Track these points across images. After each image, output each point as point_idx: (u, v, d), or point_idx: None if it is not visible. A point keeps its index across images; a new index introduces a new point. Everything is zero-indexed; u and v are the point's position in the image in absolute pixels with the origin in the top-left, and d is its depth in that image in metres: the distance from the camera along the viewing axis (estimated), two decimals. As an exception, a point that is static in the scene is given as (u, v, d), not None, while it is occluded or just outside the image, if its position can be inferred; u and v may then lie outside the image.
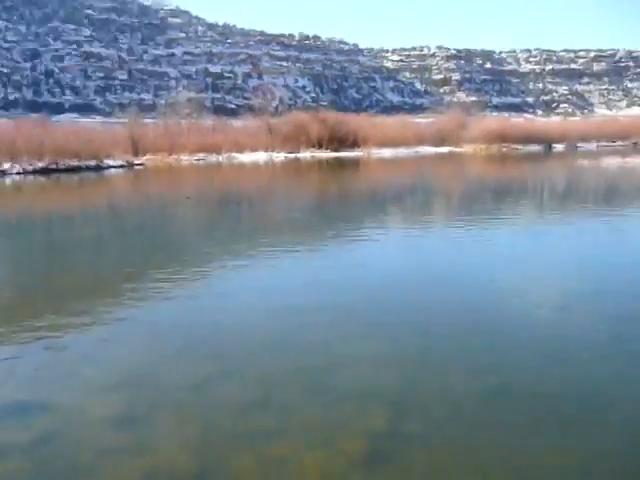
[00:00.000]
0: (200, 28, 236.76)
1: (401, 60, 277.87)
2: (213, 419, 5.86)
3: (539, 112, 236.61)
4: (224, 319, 8.84)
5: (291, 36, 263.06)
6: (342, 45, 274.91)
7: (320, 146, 73.22)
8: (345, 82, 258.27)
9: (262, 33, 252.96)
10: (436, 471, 4.93)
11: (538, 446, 5.23)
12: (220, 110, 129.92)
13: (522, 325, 8.39)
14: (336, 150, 72.86)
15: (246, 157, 66.53)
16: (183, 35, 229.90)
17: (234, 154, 67.16)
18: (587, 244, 14.67)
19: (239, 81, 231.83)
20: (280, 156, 67.97)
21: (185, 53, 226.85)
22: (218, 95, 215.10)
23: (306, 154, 70.14)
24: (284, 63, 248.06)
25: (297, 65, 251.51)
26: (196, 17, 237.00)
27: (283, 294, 10.06)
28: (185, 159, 62.48)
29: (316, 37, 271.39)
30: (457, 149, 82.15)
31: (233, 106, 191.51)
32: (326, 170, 50.07)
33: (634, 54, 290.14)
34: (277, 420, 5.76)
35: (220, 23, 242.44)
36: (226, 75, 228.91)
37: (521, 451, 5.17)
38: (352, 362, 7.09)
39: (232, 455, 5.22)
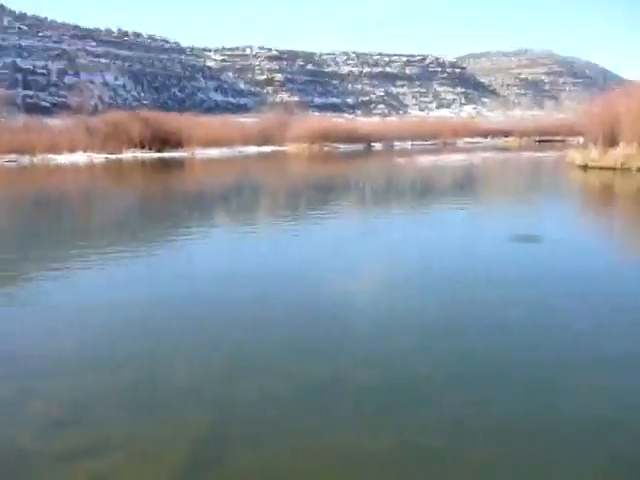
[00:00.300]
0: (6, 18, 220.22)
1: (224, 60, 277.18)
2: (14, 438, 5.53)
3: (359, 112, 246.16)
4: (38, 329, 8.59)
5: (109, 32, 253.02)
6: (163, 43, 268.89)
7: (143, 146, 71.45)
8: (167, 81, 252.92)
9: (76, 27, 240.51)
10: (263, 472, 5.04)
11: (353, 432, 5.55)
12: (33, 108, 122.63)
13: (333, 310, 8.81)
14: (159, 151, 71.47)
15: (64, 158, 63.36)
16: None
17: (50, 155, 63.72)
18: (403, 235, 15.69)
19: (54, 78, 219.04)
20: (100, 157, 65.47)
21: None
22: (30, 92, 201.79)
23: (128, 155, 68.15)
24: (102, 60, 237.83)
25: (116, 62, 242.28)
26: (1, 6, 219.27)
27: (92, 296, 9.92)
28: (-6, 161, 58.42)
29: (136, 34, 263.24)
30: (281, 148, 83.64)
31: (47, 104, 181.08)
32: (150, 171, 49.00)
33: (440, 60, 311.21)
34: (92, 436, 5.54)
35: (29, 14, 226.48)
36: (39, 71, 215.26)
37: (349, 439, 5.43)
38: (172, 368, 7.10)
39: (46, 473, 4.99)
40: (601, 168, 36.54)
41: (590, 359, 7.08)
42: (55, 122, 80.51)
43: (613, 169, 35.34)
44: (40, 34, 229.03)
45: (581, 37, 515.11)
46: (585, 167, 38.33)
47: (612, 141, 39.99)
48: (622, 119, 38.71)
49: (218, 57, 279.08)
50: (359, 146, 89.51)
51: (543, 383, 6.46)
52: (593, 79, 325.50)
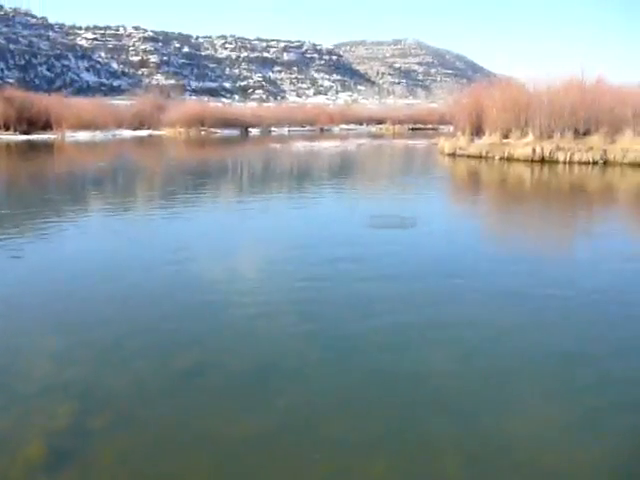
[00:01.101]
0: None
1: (96, 39, 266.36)
2: None
3: (236, 97, 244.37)
4: None
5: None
6: (29, 17, 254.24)
7: (7, 128, 67.70)
8: (34, 59, 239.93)
9: None
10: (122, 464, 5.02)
11: (227, 419, 5.64)
12: None
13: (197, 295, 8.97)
14: (26, 132, 67.96)
15: None
16: None
17: None
18: (276, 219, 15.89)
19: None
20: (-41, 138, 61.49)
21: None
22: None
23: (-9, 136, 64.38)
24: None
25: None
26: None
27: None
28: None
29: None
30: (157, 132, 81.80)
31: None
32: (15, 154, 46.49)
33: (318, 47, 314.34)
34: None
35: None
36: None
37: (211, 425, 5.51)
38: (33, 359, 6.92)
39: None
40: (468, 156, 38.46)
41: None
42: None
43: (479, 157, 37.28)
44: None
45: (452, 30, 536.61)
46: (454, 155, 40.19)
47: (478, 131, 42.23)
48: (487, 111, 40.94)
49: (89, 35, 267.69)
50: (236, 131, 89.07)
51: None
52: (463, 71, 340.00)
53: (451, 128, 60.67)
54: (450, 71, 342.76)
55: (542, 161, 33.44)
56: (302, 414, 5.70)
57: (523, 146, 35.53)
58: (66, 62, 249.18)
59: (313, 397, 6.02)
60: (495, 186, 26.24)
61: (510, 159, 35.11)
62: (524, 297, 9.16)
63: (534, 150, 34.09)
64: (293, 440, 5.26)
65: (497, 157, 36.03)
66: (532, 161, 33.66)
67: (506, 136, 38.93)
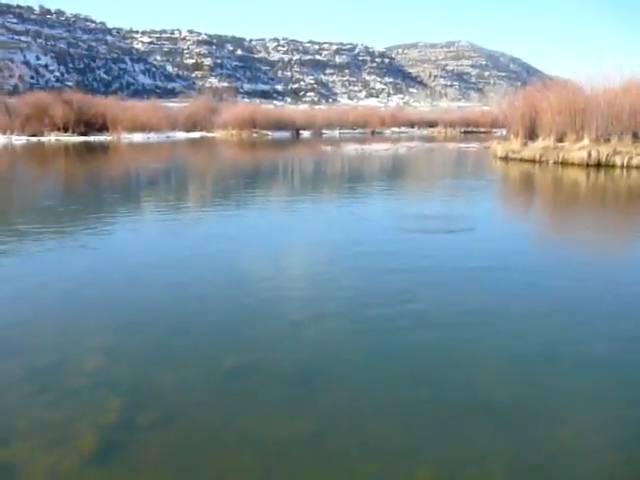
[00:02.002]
0: None
1: (152, 42, 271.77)
2: None
3: (288, 100, 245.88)
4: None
5: (30, 8, 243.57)
6: (88, 23, 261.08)
7: (66, 129, 69.56)
8: (93, 62, 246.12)
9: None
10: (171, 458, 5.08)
11: (273, 420, 5.64)
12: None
13: (259, 295, 9.00)
14: (83, 134, 69.74)
15: (-19, 140, 61.09)
16: None
17: (-34, 136, 61.35)
18: (326, 220, 15.89)
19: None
20: (21, 139, 63.38)
21: None
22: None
23: (50, 138, 66.18)
24: (23, 38, 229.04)
25: (38, 41, 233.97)
26: None
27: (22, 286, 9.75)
28: None
29: (59, 12, 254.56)
30: (209, 134, 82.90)
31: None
32: (73, 155, 47.69)
33: (370, 50, 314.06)
34: (1, 425, 5.45)
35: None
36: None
37: (257, 426, 5.50)
38: (85, 354, 6.99)
39: None
40: (521, 160, 37.87)
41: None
42: (-28, 102, 77.26)
43: (532, 161, 36.67)
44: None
45: (507, 32, 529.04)
46: (506, 158, 39.63)
47: (532, 134, 41.49)
48: (541, 114, 40.20)
49: (146, 39, 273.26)
50: (287, 133, 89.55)
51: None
52: (517, 73, 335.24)
53: (504, 131, 59.76)
54: (504, 74, 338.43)
55: (598, 165, 32.61)
56: (347, 417, 5.67)
57: (578, 150, 34.72)
58: (123, 65, 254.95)
59: (359, 400, 5.98)
60: (549, 190, 25.74)
61: (564, 163, 34.39)
62: (577, 303, 8.96)
63: (590, 154, 33.27)
64: (338, 443, 5.23)
65: (551, 161, 35.35)
66: (587, 165, 32.87)
67: (561, 140, 38.10)
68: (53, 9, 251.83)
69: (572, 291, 9.67)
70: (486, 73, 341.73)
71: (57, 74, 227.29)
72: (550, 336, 7.65)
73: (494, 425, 5.52)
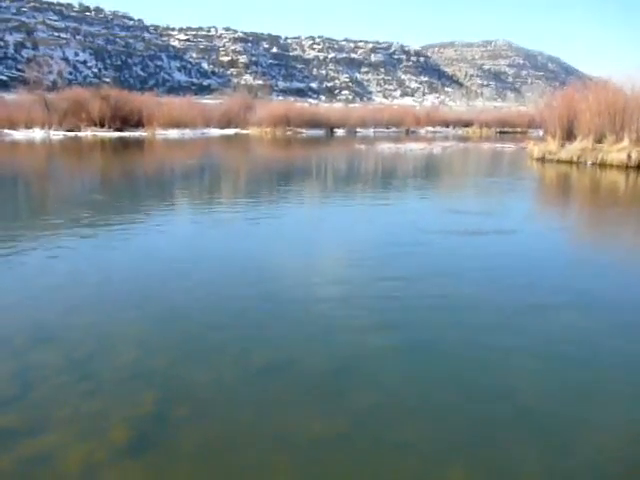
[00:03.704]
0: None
1: (188, 40, 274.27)
2: None
3: (322, 98, 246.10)
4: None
5: (70, 6, 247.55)
6: (126, 20, 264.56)
7: (102, 125, 70.49)
8: (130, 59, 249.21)
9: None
10: (205, 451, 5.09)
11: (304, 417, 5.60)
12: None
13: (291, 294, 8.97)
14: (119, 129, 70.57)
15: (20, 134, 62.11)
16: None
17: (6, 131, 62.42)
18: (359, 219, 15.82)
19: (11, 50, 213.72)
20: (59, 134, 64.34)
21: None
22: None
23: (87, 133, 67.10)
24: (62, 34, 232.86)
25: (77, 37, 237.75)
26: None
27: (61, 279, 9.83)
28: (-53, 135, 57.12)
29: (98, 9, 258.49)
30: (244, 131, 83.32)
31: (4, 78, 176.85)
32: (109, 150, 48.22)
33: (406, 48, 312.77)
34: (35, 415, 5.49)
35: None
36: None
37: (290, 423, 5.47)
38: (121, 348, 7.04)
39: None
40: (558, 161, 37.29)
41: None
42: (12, 96, 78.73)
43: (569, 162, 36.07)
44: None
45: (545, 31, 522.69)
46: (543, 159, 39.06)
47: (570, 135, 40.79)
48: (580, 114, 39.49)
49: (182, 37, 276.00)
50: (321, 131, 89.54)
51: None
52: (555, 73, 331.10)
53: (541, 132, 58.94)
54: (542, 73, 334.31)
55: (638, 167, 31.93)
56: (380, 416, 5.62)
57: (617, 151, 34.03)
58: (159, 62, 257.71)
59: (391, 400, 5.92)
60: (587, 192, 25.26)
61: (603, 165, 33.76)
62: (619, 310, 8.74)
63: (629, 156, 32.59)
64: (370, 443, 5.17)
65: (589, 162, 34.74)
66: (627, 167, 32.21)
67: (599, 141, 37.36)
68: (92, 6, 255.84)
69: (611, 294, 9.45)
70: (523, 72, 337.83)
71: (95, 70, 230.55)
72: (589, 340, 7.48)
73: (529, 429, 5.41)
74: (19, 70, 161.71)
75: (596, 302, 9.08)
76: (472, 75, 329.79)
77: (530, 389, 6.16)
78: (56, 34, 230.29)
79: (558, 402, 5.93)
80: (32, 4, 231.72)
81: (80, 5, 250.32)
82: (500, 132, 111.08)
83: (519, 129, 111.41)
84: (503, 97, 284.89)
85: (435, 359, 6.90)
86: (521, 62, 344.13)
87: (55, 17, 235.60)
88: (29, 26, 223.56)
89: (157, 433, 5.25)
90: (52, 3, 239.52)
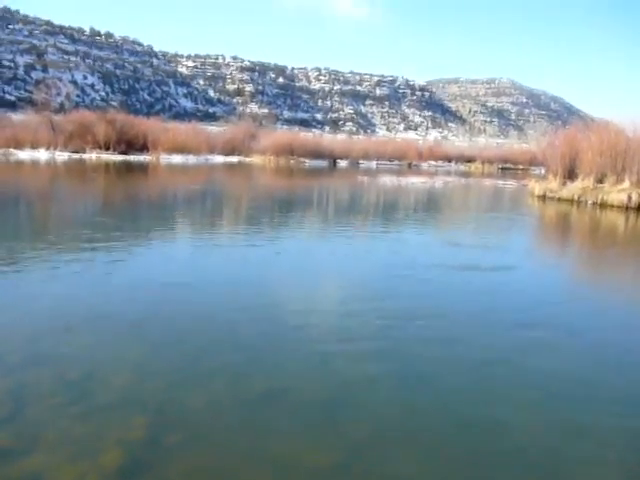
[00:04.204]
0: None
1: (195, 67, 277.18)
2: None
3: (327, 129, 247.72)
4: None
5: (81, 30, 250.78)
6: (136, 45, 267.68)
7: (107, 148, 70.89)
8: (137, 84, 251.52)
9: (48, 23, 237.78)
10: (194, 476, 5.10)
11: (299, 447, 5.60)
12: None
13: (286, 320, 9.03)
14: (124, 153, 70.95)
15: (25, 154, 62.49)
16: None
17: (12, 150, 62.78)
18: (354, 253, 15.87)
19: (20, 72, 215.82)
20: (63, 155, 64.73)
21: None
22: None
23: (92, 155, 67.47)
24: (72, 57, 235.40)
25: (86, 61, 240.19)
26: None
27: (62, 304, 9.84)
28: (-47, 153, 57.49)
29: (108, 34, 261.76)
30: (247, 159, 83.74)
31: (12, 98, 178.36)
32: (113, 173, 48.45)
33: (411, 83, 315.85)
34: (26, 435, 5.49)
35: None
36: (5, 64, 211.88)
37: (283, 453, 5.47)
38: (116, 370, 7.06)
39: None
40: (559, 199, 37.45)
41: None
42: (19, 117, 79.33)
43: (570, 201, 36.23)
44: (10, 27, 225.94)
45: (549, 71, 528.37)
46: (544, 197, 39.23)
47: (571, 174, 41.04)
48: (582, 154, 39.77)
49: (190, 63, 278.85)
50: (324, 162, 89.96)
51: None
52: (558, 113, 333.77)
53: (542, 170, 59.22)
54: (544, 112, 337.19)
55: (638, 209, 32.06)
56: (373, 447, 5.62)
57: (618, 192, 34.20)
58: (166, 88, 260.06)
59: (385, 430, 5.93)
60: (586, 232, 25.34)
61: (603, 205, 33.90)
62: (615, 349, 8.76)
63: (630, 197, 32.74)
64: (363, 473, 5.17)
65: (590, 202, 34.89)
66: (627, 208, 32.34)
67: (600, 181, 37.57)
68: (103, 31, 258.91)
69: (608, 333, 9.48)
70: (526, 111, 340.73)
71: (102, 94, 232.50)
72: (586, 378, 7.50)
73: (523, 465, 5.41)
74: (28, 91, 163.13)
75: (593, 341, 9.10)
76: (475, 111, 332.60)
77: (525, 425, 6.17)
78: (66, 57, 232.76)
79: (553, 439, 5.92)
80: (44, 27, 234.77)
81: (91, 30, 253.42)
82: (502, 169, 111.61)
83: (521, 166, 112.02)
84: (506, 134, 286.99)
85: (430, 391, 6.91)
86: (524, 100, 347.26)
87: (66, 40, 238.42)
88: (40, 48, 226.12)
89: (149, 458, 5.23)
90: (64, 27, 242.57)
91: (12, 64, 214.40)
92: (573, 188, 37.83)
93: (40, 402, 6.13)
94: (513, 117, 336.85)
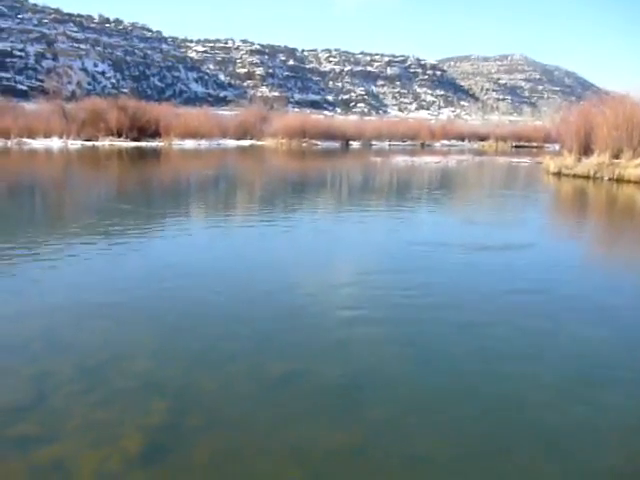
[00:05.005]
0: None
1: (205, 51, 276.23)
2: None
3: (338, 110, 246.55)
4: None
5: (90, 17, 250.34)
6: (145, 31, 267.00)
7: (120, 134, 70.89)
8: (147, 70, 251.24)
9: (57, 11, 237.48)
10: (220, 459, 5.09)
11: (317, 429, 5.57)
12: (9, 91, 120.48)
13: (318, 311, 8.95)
14: (136, 139, 70.95)
15: (39, 143, 62.67)
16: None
17: (25, 139, 63.00)
18: (376, 232, 15.82)
19: (31, 61, 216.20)
20: (76, 143, 64.86)
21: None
22: (7, 75, 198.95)
23: (104, 142, 67.56)
24: (82, 45, 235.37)
25: (97, 49, 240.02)
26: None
27: (73, 291, 9.88)
28: (-34, 143, 57.89)
29: (118, 21, 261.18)
30: (259, 142, 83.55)
31: (24, 87, 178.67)
32: (126, 160, 48.54)
33: (422, 62, 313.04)
34: (49, 422, 5.50)
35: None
36: (16, 53, 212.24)
37: (302, 435, 5.44)
38: (134, 356, 7.06)
39: None
40: (574, 176, 37.07)
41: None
42: (31, 106, 79.45)
43: (586, 177, 35.85)
44: (20, 16, 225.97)
45: (563, 46, 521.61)
46: (559, 174, 38.85)
47: (586, 150, 40.57)
48: (597, 129, 39.27)
49: (199, 48, 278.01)
50: (336, 144, 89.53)
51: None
52: (572, 88, 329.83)
53: (557, 147, 58.65)
54: (558, 88, 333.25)
55: (656, 183, 31.70)
56: (393, 430, 5.58)
57: (635, 167, 33.80)
58: (176, 73, 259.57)
59: (405, 413, 5.89)
60: (604, 208, 25.09)
61: (620, 180, 33.53)
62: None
63: (647, 171, 32.37)
64: (382, 456, 5.14)
65: (606, 177, 34.51)
66: (644, 183, 31.97)
67: (617, 156, 37.11)
68: (112, 18, 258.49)
69: (629, 310, 9.39)
70: (540, 87, 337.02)
71: (113, 81, 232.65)
72: (608, 356, 7.43)
73: (545, 443, 5.35)
74: (39, 80, 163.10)
75: (614, 318, 9.02)
76: (488, 89, 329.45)
77: (547, 404, 6.12)
78: (76, 45, 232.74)
79: (576, 418, 5.88)
80: (53, 16, 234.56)
81: (100, 17, 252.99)
82: (516, 146, 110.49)
83: (535, 144, 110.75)
84: (519, 111, 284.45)
85: (451, 372, 6.86)
86: (537, 77, 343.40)
87: (75, 28, 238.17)
88: (50, 37, 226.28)
89: (169, 442, 5.24)
90: (73, 15, 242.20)
91: (23, 53, 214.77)
92: (589, 164, 37.40)
93: (61, 389, 6.16)
94: (526, 94, 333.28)
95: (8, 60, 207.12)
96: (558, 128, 51.05)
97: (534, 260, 13.08)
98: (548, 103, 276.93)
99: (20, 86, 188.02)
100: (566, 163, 39.55)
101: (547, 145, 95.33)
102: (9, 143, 60.52)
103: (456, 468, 4.98)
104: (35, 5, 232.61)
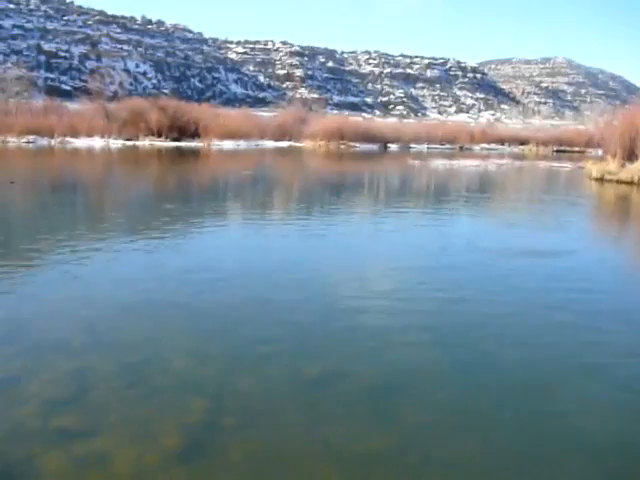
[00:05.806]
0: (32, 1, 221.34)
1: (245, 53, 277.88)
2: (14, 418, 5.54)
3: (377, 112, 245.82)
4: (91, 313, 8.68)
5: (133, 19, 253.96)
6: (186, 33, 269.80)
7: (160, 135, 71.81)
8: (188, 71, 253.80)
9: (102, 13, 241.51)
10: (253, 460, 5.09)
11: (354, 431, 5.54)
12: (53, 91, 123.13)
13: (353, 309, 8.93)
14: (176, 139, 71.77)
15: (81, 142, 63.81)
16: (12, 7, 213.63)
17: (68, 138, 64.20)
18: (413, 235, 15.70)
19: (75, 62, 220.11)
20: (117, 143, 65.86)
21: (15, 27, 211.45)
22: (52, 75, 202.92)
23: (145, 142, 68.47)
24: (125, 46, 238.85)
25: (139, 50, 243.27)
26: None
27: (115, 287, 9.99)
28: (12, 141, 58.97)
29: (159, 22, 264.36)
30: (297, 144, 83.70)
31: (68, 88, 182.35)
32: (167, 159, 49.13)
33: (462, 64, 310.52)
34: (90, 417, 5.59)
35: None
36: (61, 54, 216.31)
37: (338, 437, 5.43)
38: (172, 354, 7.13)
39: (40, 455, 4.96)
40: (618, 181, 36.30)
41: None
42: (75, 106, 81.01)
43: (630, 183, 35.08)
44: (65, 18, 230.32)
45: (607, 49, 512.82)
46: (602, 179, 38.09)
47: (631, 155, 39.71)
48: (642, 134, 38.42)
49: (240, 50, 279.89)
50: (375, 146, 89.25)
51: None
52: (617, 92, 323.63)
53: (600, 152, 57.59)
54: (602, 92, 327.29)
55: (703, 190, 30.89)
56: (430, 432, 5.56)
57: (681, 173, 32.99)
58: (217, 74, 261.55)
59: (442, 416, 5.85)
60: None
61: (666, 186, 32.77)
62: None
63: (694, 177, 31.56)
64: (417, 459, 5.12)
65: (651, 184, 33.75)
66: (691, 190, 31.19)
67: (662, 162, 36.29)
68: (154, 19, 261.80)
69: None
70: (583, 91, 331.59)
71: (154, 81, 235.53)
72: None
73: (581, 451, 5.27)
74: (82, 81, 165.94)
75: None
76: (529, 92, 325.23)
77: (585, 413, 6.01)
78: (119, 46, 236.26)
79: (616, 428, 5.75)
80: (97, 17, 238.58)
81: (143, 18, 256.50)
82: (557, 151, 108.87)
83: (577, 148, 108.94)
84: (561, 115, 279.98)
85: (487, 377, 6.79)
86: (581, 80, 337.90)
87: (119, 30, 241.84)
88: (94, 38, 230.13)
89: (206, 440, 5.28)
90: (116, 16, 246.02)
91: (67, 54, 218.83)
92: (633, 169, 36.58)
93: (101, 385, 6.24)
94: (569, 97, 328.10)
95: (53, 61, 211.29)
96: (602, 132, 50.19)
97: (579, 268, 12.84)
98: (591, 107, 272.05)
99: (64, 86, 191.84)
100: (609, 168, 38.76)
101: (589, 150, 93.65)
102: (53, 142, 61.73)
103: (491, 473, 4.94)
104: (80, 7, 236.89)
